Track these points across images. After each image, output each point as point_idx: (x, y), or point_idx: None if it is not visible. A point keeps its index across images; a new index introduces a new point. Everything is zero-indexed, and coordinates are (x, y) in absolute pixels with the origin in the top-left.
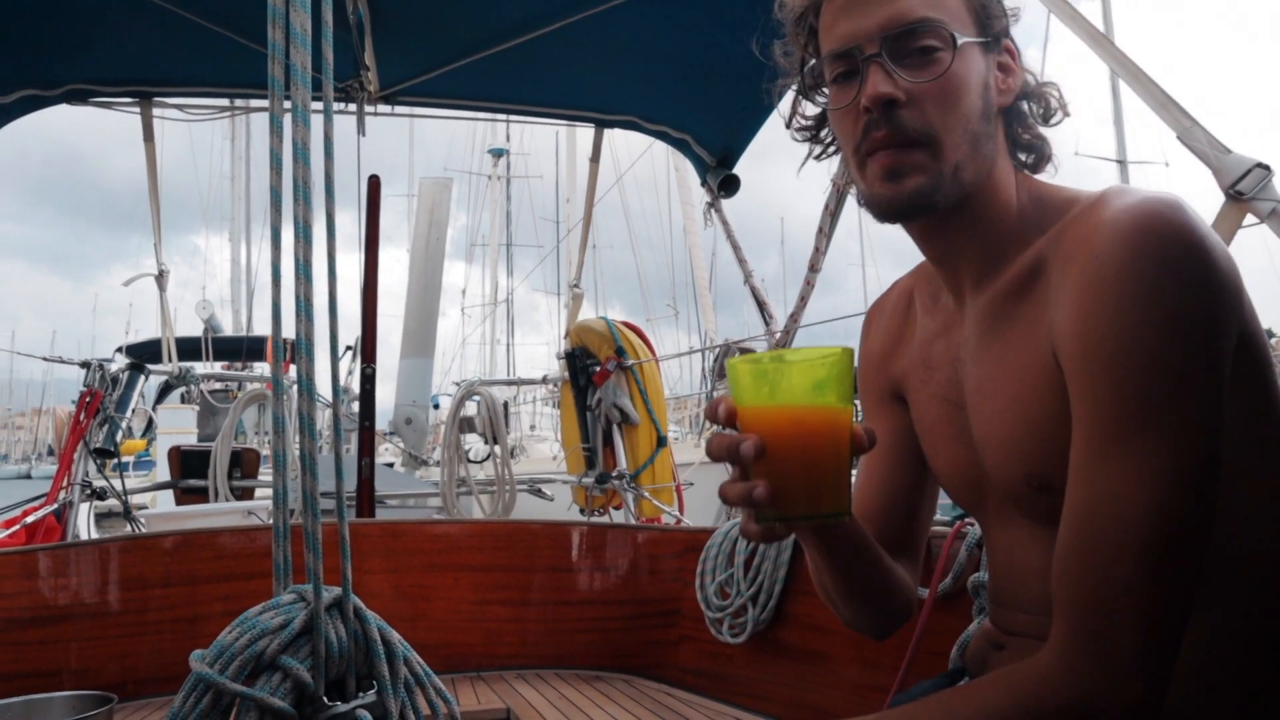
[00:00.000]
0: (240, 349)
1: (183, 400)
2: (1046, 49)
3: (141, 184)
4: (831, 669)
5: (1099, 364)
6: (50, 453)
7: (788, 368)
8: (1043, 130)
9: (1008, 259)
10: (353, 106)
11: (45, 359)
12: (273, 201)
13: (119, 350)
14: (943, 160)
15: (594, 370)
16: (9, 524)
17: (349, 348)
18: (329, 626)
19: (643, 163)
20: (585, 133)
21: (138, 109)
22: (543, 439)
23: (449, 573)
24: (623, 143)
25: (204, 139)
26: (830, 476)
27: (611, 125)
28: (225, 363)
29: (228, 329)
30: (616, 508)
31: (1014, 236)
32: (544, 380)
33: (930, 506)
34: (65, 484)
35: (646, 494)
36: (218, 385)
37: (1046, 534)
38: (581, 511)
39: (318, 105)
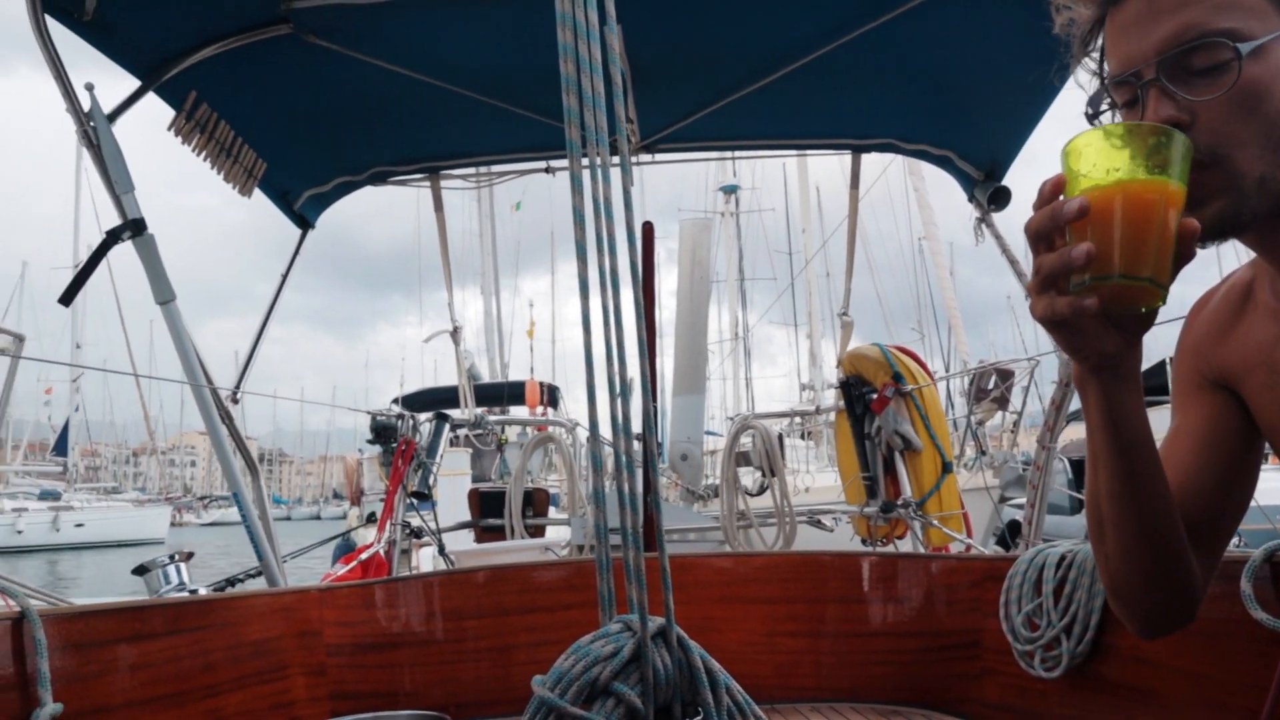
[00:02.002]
0: (501, 394)
1: (451, 444)
2: None
3: (397, 250)
4: (1164, 709)
5: None
6: (336, 496)
7: (1134, 136)
8: None
9: None
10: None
11: (357, 410)
12: (579, 255)
13: (394, 401)
14: (1240, 176)
15: (871, 398)
16: (347, 559)
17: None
18: (655, 654)
19: (877, 185)
20: (817, 162)
21: (428, 183)
22: (792, 470)
23: (738, 605)
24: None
25: (451, 202)
26: (1155, 240)
27: (868, 150)
28: (485, 408)
29: (485, 376)
30: (900, 537)
31: None
32: (818, 410)
33: (1236, 509)
34: (390, 524)
35: (935, 522)
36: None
37: None
38: (864, 542)
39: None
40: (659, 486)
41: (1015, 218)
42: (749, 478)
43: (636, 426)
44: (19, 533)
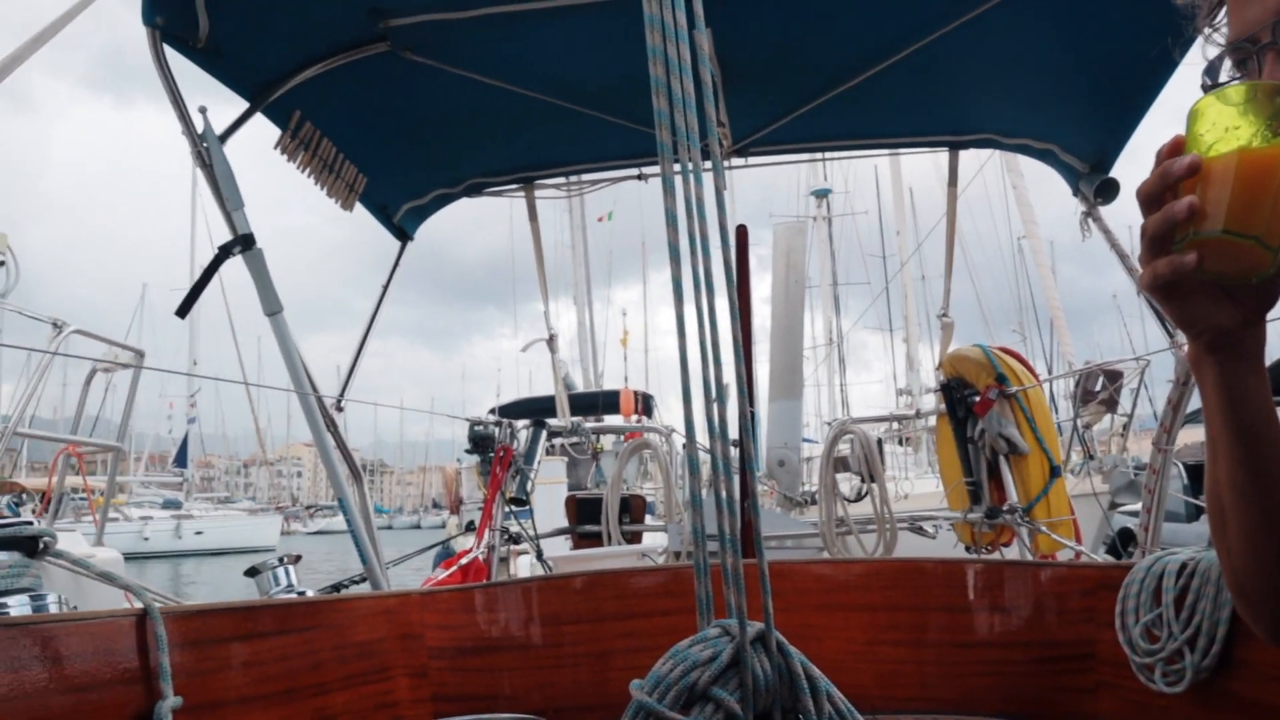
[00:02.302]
0: (596, 403)
1: (547, 453)
2: None
3: (491, 262)
4: None
5: None
6: (435, 505)
7: (1254, 96)
8: None
9: None
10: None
11: (455, 418)
12: (672, 257)
13: (491, 411)
14: None
15: (973, 400)
16: (447, 564)
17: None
18: (754, 659)
19: (973, 183)
20: (911, 162)
21: (523, 193)
22: (890, 477)
23: (838, 613)
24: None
25: (543, 214)
26: (1269, 201)
27: (966, 147)
28: (580, 416)
29: (580, 386)
30: (1006, 544)
31: None
32: (918, 414)
33: None
34: (489, 529)
35: (1044, 528)
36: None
37: None
38: (968, 549)
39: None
40: (756, 492)
41: (1123, 213)
42: (847, 484)
43: (733, 432)
44: (145, 539)
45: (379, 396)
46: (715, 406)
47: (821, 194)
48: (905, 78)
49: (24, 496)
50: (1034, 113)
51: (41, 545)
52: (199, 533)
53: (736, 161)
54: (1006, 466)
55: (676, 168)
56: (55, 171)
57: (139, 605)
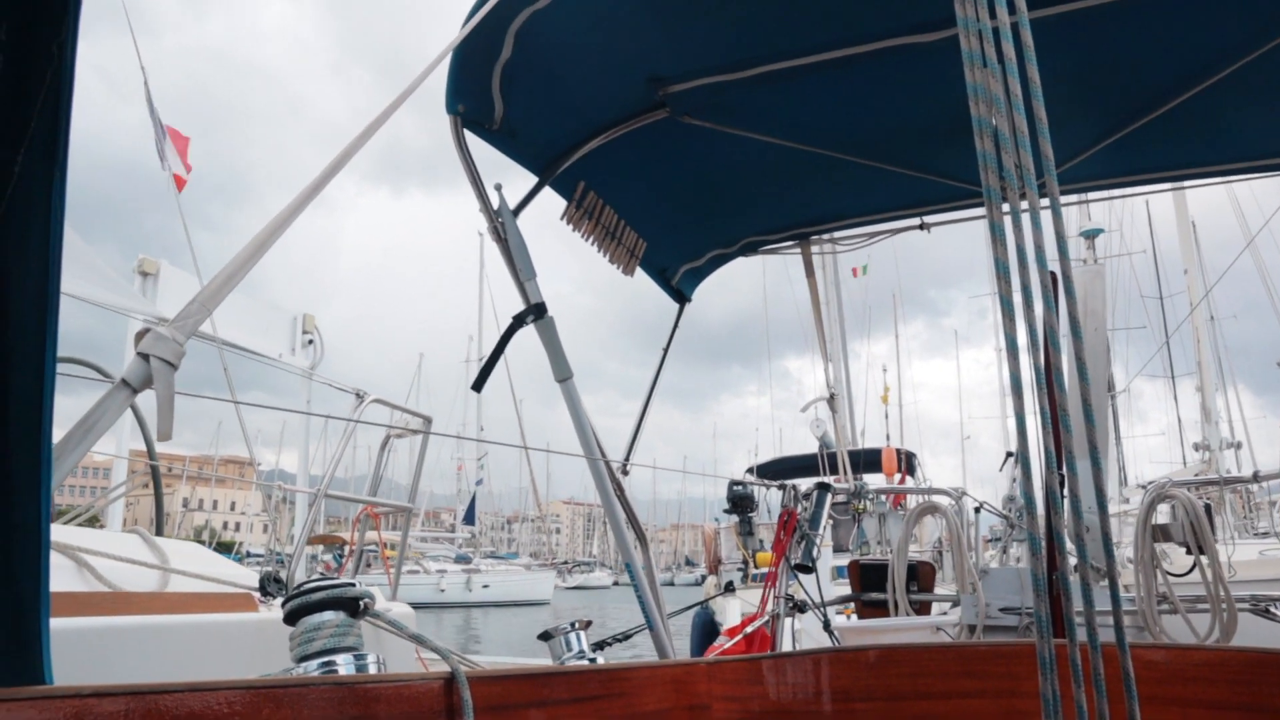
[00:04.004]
0: (858, 463)
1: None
2: None
3: (735, 321)
4: None
5: None
6: (688, 563)
7: None
8: None
9: None
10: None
11: (714, 476)
12: (1004, 311)
13: (749, 470)
14: None
15: None
16: (732, 633)
17: (1010, 454)
18: None
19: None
20: (1197, 194)
21: (798, 250)
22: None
23: (1172, 708)
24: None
25: (795, 271)
26: None
27: None
28: (835, 475)
29: (834, 443)
30: None
31: None
32: (1256, 477)
33: None
34: (773, 597)
35: None
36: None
37: None
38: None
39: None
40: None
41: None
42: (1165, 556)
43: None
44: (442, 591)
45: (635, 455)
46: (1056, 477)
47: (1091, 234)
48: (1237, 93)
49: (345, 549)
50: None
51: (363, 606)
52: (486, 586)
53: (1042, 202)
54: None
55: (1005, 209)
56: (345, 256)
57: (445, 668)
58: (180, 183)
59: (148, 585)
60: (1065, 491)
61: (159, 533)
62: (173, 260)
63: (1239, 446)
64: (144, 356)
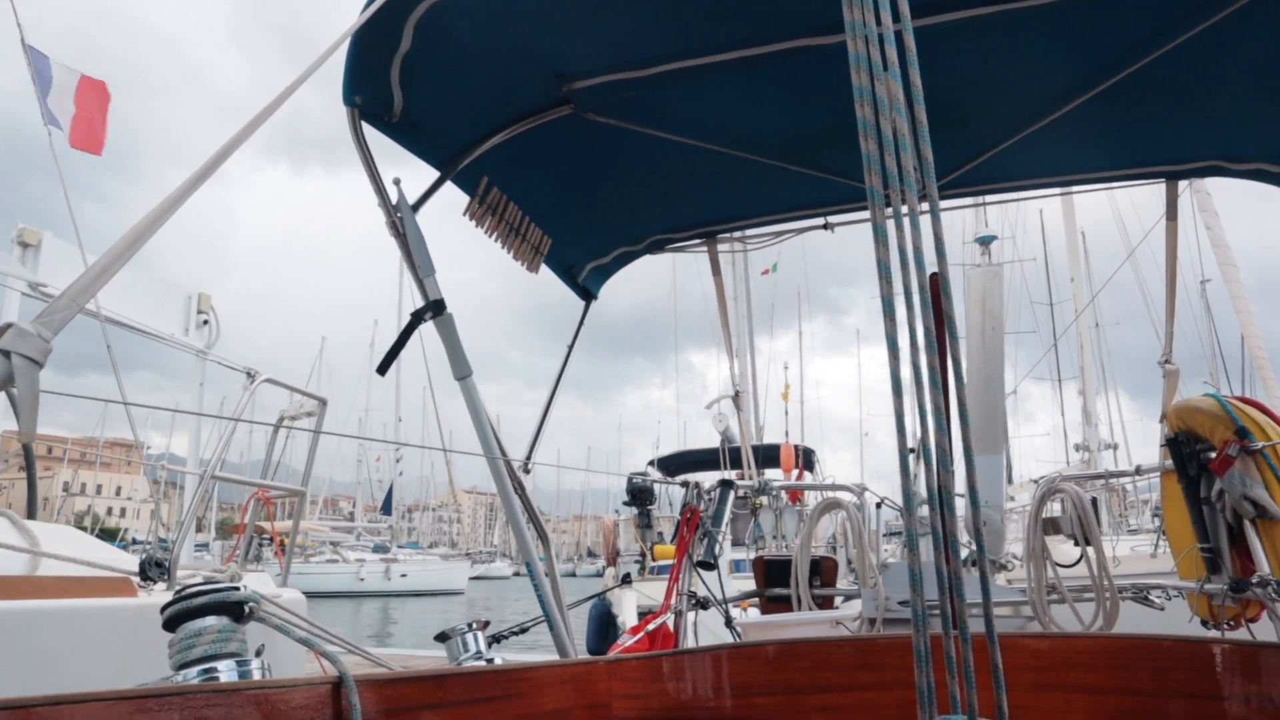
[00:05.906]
0: (757, 458)
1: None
2: None
3: (636, 315)
4: None
5: None
6: (590, 554)
7: None
8: None
9: None
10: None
11: (610, 473)
12: (885, 311)
13: (650, 463)
14: None
15: (1209, 457)
16: (634, 631)
17: (913, 450)
18: None
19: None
20: (1083, 203)
21: (705, 248)
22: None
23: (1057, 694)
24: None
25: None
26: None
27: (1186, 176)
28: (737, 470)
29: (737, 439)
30: (1252, 620)
31: None
32: (1138, 471)
33: None
34: (675, 594)
35: None
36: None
37: None
38: (1204, 624)
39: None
40: (986, 565)
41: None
42: (1054, 547)
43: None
44: (361, 580)
45: (538, 447)
46: (937, 473)
47: (985, 240)
48: (1114, 107)
49: (270, 539)
50: (1273, 132)
51: (248, 610)
52: (404, 575)
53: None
54: (1254, 532)
55: (888, 213)
56: (243, 233)
57: (333, 671)
58: (95, 143)
59: (15, 569)
60: (940, 490)
61: (32, 517)
62: (57, 233)
63: (1116, 447)
64: (4, 354)
